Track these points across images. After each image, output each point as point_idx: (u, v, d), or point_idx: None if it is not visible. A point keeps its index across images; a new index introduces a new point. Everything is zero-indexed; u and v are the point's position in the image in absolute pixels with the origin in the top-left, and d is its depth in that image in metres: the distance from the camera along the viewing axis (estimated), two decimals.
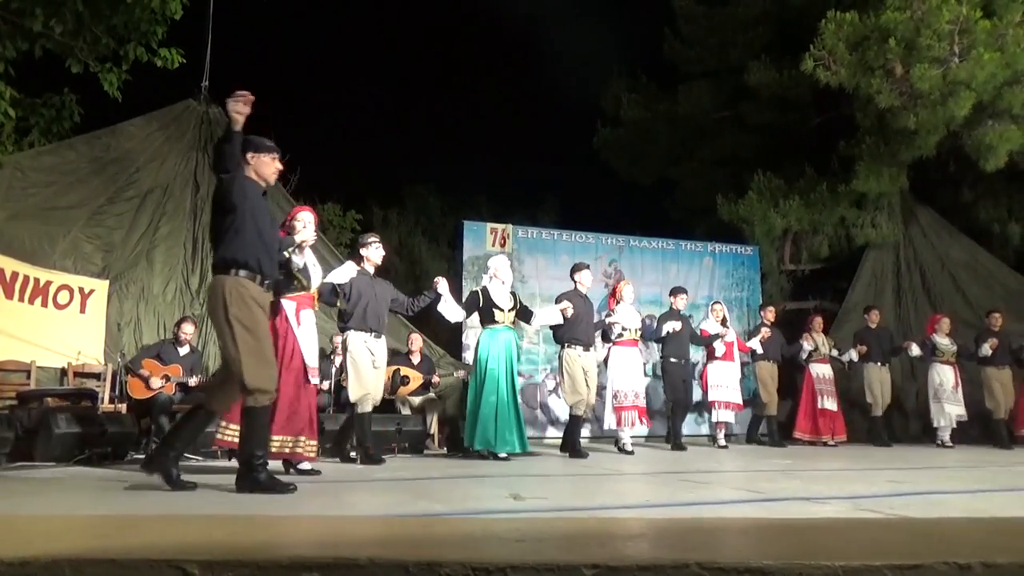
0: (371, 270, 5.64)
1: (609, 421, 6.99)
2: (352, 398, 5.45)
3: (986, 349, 8.44)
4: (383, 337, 5.63)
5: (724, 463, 5.95)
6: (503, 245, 9.38)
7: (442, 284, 5.92)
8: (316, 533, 2.16)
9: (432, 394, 7.65)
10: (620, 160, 13.49)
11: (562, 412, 8.95)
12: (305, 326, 4.59)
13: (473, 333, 9.08)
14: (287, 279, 4.50)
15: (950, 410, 8.45)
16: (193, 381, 6.42)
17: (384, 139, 16.57)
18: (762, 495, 3.56)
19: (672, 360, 7.57)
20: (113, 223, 7.71)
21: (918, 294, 11.15)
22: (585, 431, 8.72)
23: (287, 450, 4.38)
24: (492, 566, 1.46)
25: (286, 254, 4.31)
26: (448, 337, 9.15)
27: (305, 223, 4.51)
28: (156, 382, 6.25)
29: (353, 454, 5.58)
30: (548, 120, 16.92)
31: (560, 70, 17.69)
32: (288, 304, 4.54)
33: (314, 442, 4.56)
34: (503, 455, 5.80)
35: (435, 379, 7.67)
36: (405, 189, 14.58)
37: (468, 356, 8.93)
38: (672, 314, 7.66)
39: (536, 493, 3.52)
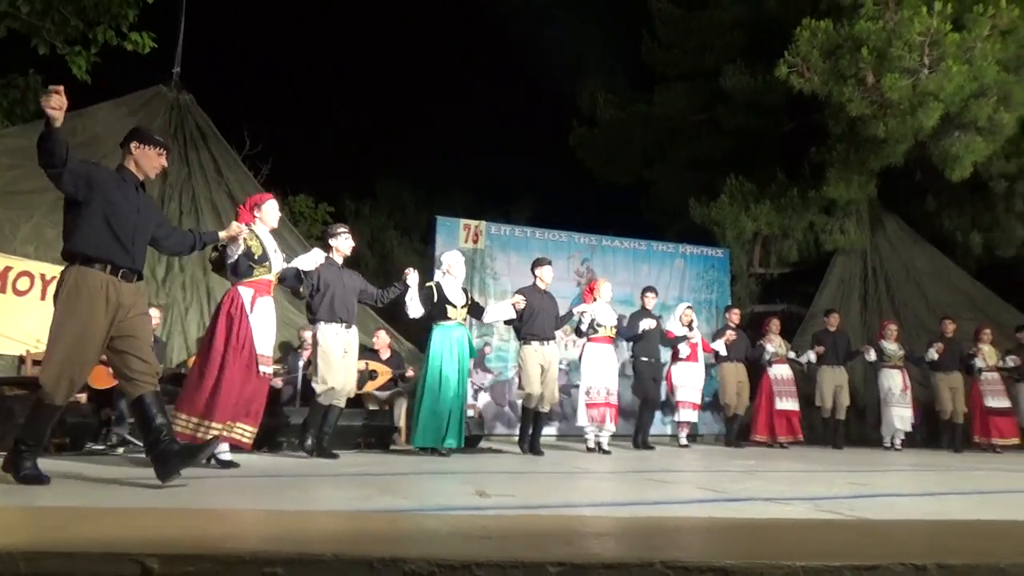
0: (339, 260, 5.59)
1: (581, 418, 6.90)
2: (318, 390, 5.36)
3: (932, 353, 8.66)
4: (353, 327, 5.57)
5: (688, 463, 6.00)
6: (476, 241, 9.36)
7: (412, 276, 5.84)
8: (280, 527, 2.13)
9: (400, 389, 7.60)
10: (595, 160, 13.55)
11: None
12: (260, 313, 4.53)
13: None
14: (247, 266, 4.46)
15: (899, 414, 8.65)
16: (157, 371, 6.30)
17: (359, 132, 16.43)
18: (725, 495, 3.60)
19: (643, 359, 7.60)
20: None
21: (883, 300, 11.37)
22: (552, 429, 8.78)
23: (225, 433, 4.32)
24: (457, 563, 1.46)
25: (218, 248, 4.31)
26: (418, 332, 9.11)
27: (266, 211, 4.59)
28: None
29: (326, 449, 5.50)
30: (524, 118, 16.90)
31: (538, 68, 17.67)
32: (244, 291, 4.50)
33: (252, 429, 4.50)
34: (443, 451, 5.75)
35: (410, 372, 7.63)
36: (379, 183, 14.50)
37: None
38: (643, 313, 7.69)
39: (503, 490, 3.51)
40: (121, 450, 5.65)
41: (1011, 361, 8.77)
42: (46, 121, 3.13)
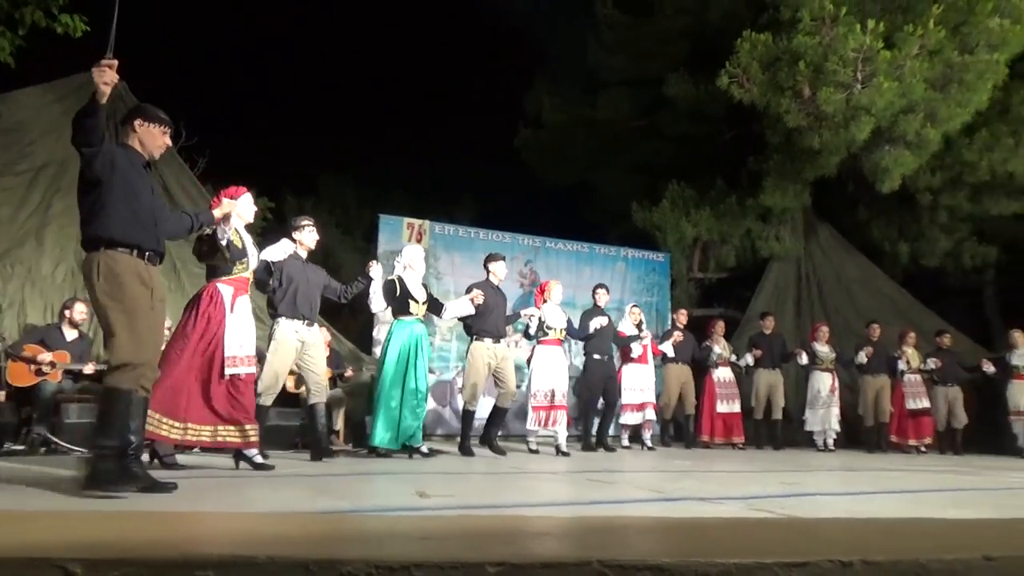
0: (303, 255, 5.42)
1: (529, 421, 6.87)
2: (259, 388, 5.14)
3: (861, 357, 8.99)
4: (316, 325, 5.45)
5: (627, 463, 6.08)
6: (419, 240, 9.31)
7: (375, 269, 5.74)
8: (213, 530, 2.08)
9: (339, 389, 7.49)
10: (540, 162, 13.63)
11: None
12: (240, 313, 4.38)
13: (384, 328, 8.97)
14: (223, 261, 4.31)
15: (827, 415, 8.94)
16: (89, 368, 6.06)
17: (301, 127, 16.16)
18: (663, 495, 3.66)
19: (595, 357, 7.53)
20: (1, 198, 7.21)
21: (815, 306, 11.75)
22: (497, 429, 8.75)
23: (185, 437, 4.18)
24: (396, 564, 1.44)
25: (208, 230, 4.09)
26: (359, 331, 9.01)
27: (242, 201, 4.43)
28: (45, 367, 5.87)
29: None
30: (469, 118, 16.90)
31: (483, 68, 17.67)
32: (225, 289, 4.34)
33: (234, 427, 4.33)
34: (408, 454, 5.72)
35: (349, 372, 7.52)
36: (321, 180, 14.28)
37: (378, 351, 8.81)
38: (596, 310, 7.67)
39: (442, 491, 3.50)
40: (43, 450, 5.42)
41: (931, 363, 9.18)
42: (92, 97, 2.95)
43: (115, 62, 2.95)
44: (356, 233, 12.81)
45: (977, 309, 13.07)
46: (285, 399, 6.52)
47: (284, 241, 5.26)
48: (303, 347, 5.26)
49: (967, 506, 3.51)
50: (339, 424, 7.42)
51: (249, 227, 4.65)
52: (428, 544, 1.68)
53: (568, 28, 13.96)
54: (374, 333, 8.81)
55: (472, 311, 6.30)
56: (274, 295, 5.25)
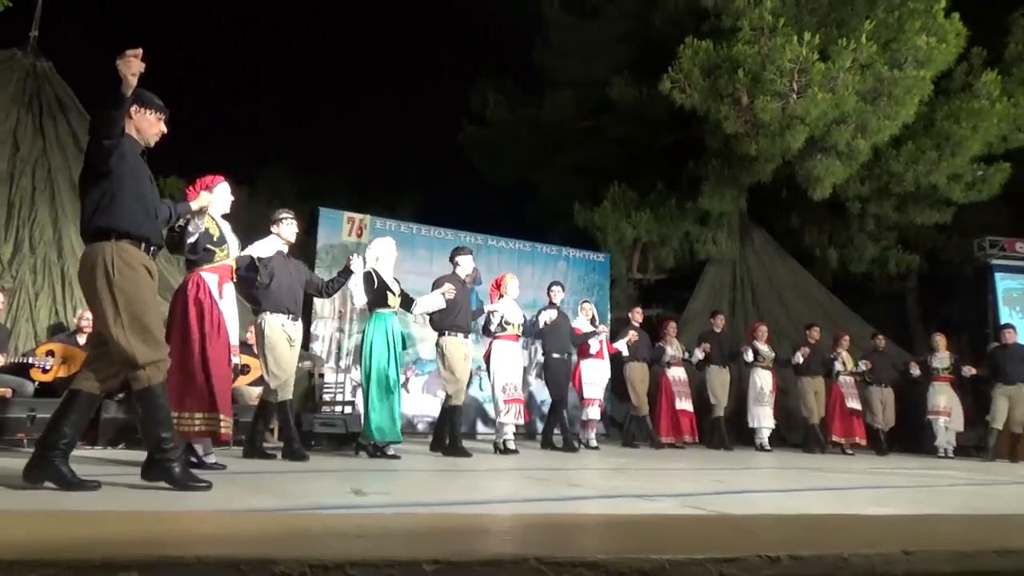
0: (284, 249, 5.31)
1: (500, 415, 6.71)
2: (272, 385, 5.09)
3: (798, 357, 9.24)
4: (299, 320, 5.34)
5: (568, 461, 6.12)
6: (360, 235, 9.19)
7: (355, 262, 5.60)
8: (138, 530, 2.00)
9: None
10: (484, 159, 13.64)
11: (409, 405, 8.78)
12: (228, 300, 4.27)
13: (322, 324, 8.84)
14: (205, 250, 4.19)
15: (767, 413, 9.18)
16: (0, 360, 5.77)
17: (239, 114, 15.75)
18: (600, 492, 3.71)
19: (555, 356, 7.49)
20: None
21: (749, 308, 12.08)
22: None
23: (221, 429, 4.06)
24: (331, 563, 1.42)
25: (182, 222, 3.98)
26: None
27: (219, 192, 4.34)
28: None
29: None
30: (413, 113, 16.77)
31: (429, 63, 17.56)
32: (209, 276, 4.20)
33: (228, 419, 4.21)
34: (391, 452, 5.56)
35: None
36: (259, 169, 13.95)
37: (316, 346, 8.67)
38: (550, 307, 7.63)
39: (379, 488, 3.46)
40: None
41: (863, 365, 9.53)
42: (118, 88, 2.80)
43: (140, 51, 2.83)
44: (298, 217, 12.58)
45: (900, 314, 13.68)
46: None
47: (272, 237, 5.15)
48: (289, 341, 5.21)
49: (887, 503, 3.66)
50: (273, 421, 7.25)
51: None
52: (364, 542, 1.66)
53: (515, 26, 13.99)
54: (311, 328, 8.67)
55: (443, 305, 6.14)
56: (256, 290, 5.15)
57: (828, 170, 9.99)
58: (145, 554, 1.43)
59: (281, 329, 5.14)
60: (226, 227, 4.43)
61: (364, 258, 5.91)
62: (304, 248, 9.94)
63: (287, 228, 5.30)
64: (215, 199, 4.17)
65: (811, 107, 8.81)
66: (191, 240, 4.09)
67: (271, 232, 5.27)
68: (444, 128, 14.64)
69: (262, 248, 5.02)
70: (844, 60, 8.69)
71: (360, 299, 5.76)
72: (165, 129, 3.40)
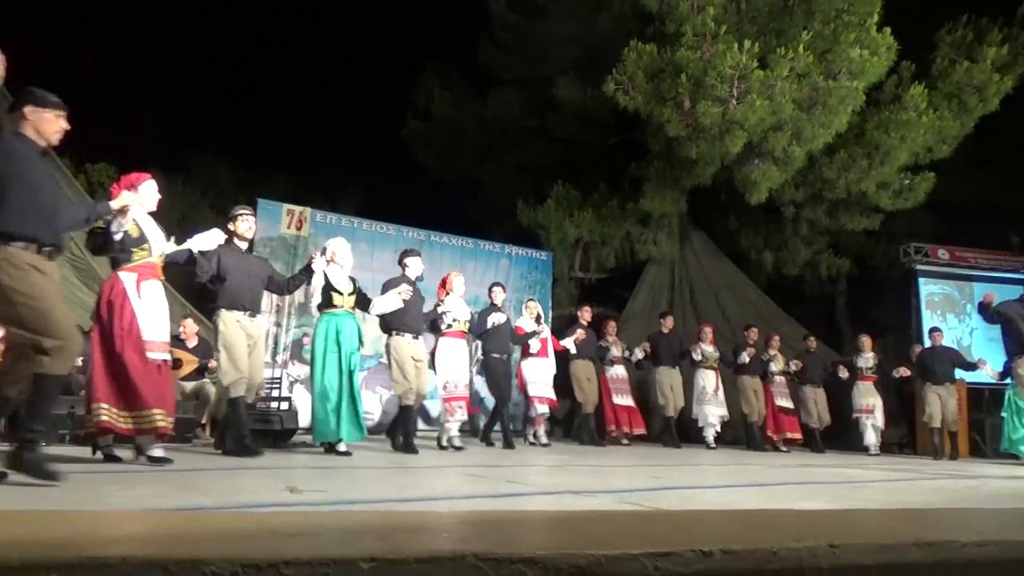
0: (243, 246, 5.28)
1: (440, 412, 6.81)
2: (225, 382, 4.99)
3: (744, 357, 9.48)
4: (258, 317, 5.26)
5: (505, 459, 6.14)
6: (299, 228, 9.03)
7: (318, 261, 5.58)
8: (59, 529, 1.92)
9: (207, 380, 7.15)
10: (428, 154, 13.55)
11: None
12: (148, 298, 4.16)
13: (259, 318, 8.64)
14: (122, 249, 4.10)
15: (712, 411, 9.37)
16: None
17: (173, 100, 15.24)
18: (537, 488, 3.73)
19: (494, 356, 7.51)
20: None
21: (687, 308, 12.33)
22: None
23: (132, 426, 4.01)
24: (263, 562, 1.38)
25: (102, 223, 3.92)
26: None
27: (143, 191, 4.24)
28: None
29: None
30: (358, 104, 16.52)
31: (374, 53, 17.34)
32: (127, 276, 4.13)
33: (162, 411, 4.16)
34: (343, 448, 5.53)
35: (212, 363, 7.18)
36: (193, 158, 13.56)
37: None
38: (492, 308, 7.65)
39: (315, 486, 3.41)
40: None
41: (794, 365, 9.86)
42: None
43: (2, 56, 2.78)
44: (255, 214, 12.25)
45: (830, 316, 14.17)
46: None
47: (214, 231, 4.99)
48: (247, 338, 5.13)
49: (815, 498, 3.78)
50: (205, 416, 7.08)
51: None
52: (298, 541, 1.63)
53: (461, 21, 13.95)
54: None
55: (401, 306, 6.13)
56: (212, 286, 5.06)
57: (765, 175, 10.27)
58: (66, 555, 1.37)
59: (237, 326, 5.07)
60: (149, 225, 4.35)
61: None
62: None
63: (243, 224, 5.29)
64: (139, 198, 4.10)
65: (750, 113, 9.03)
66: (117, 239, 4.03)
67: (227, 228, 5.22)
68: (388, 121, 14.48)
69: (201, 241, 4.88)
70: (782, 69, 8.93)
71: (317, 298, 5.75)
72: (66, 125, 3.33)
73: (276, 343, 8.73)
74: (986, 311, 7.13)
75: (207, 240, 4.89)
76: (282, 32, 17.56)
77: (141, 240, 4.22)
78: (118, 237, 4.02)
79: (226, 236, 5.09)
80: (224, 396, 5.11)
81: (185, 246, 4.75)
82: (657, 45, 9.63)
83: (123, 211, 3.90)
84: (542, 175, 12.66)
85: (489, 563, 1.45)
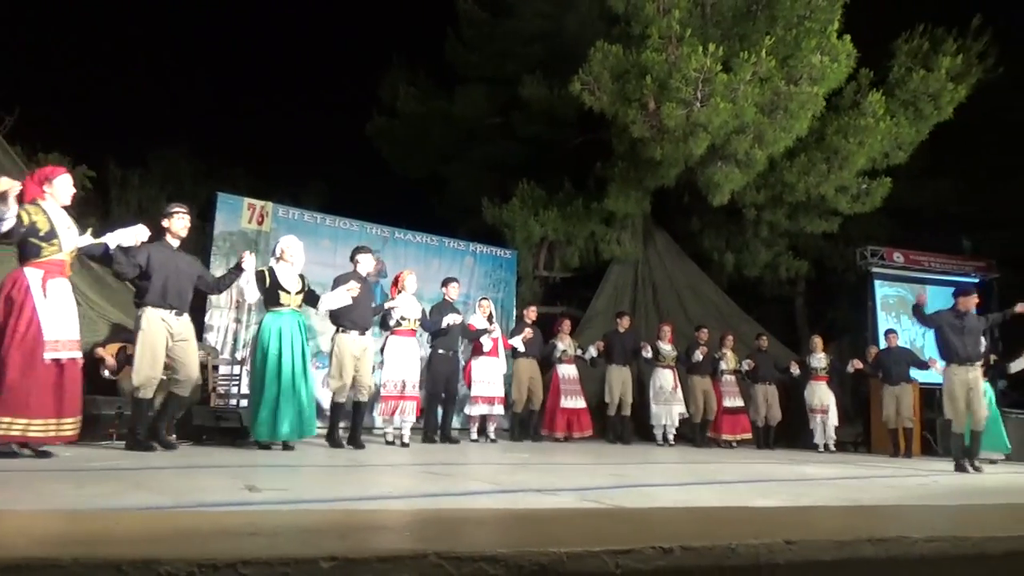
0: (175, 243, 5.20)
1: (381, 411, 6.84)
2: (135, 381, 4.92)
3: (698, 356, 9.65)
4: (185, 315, 5.19)
5: (467, 456, 6.14)
6: (261, 223, 8.89)
7: (248, 260, 5.54)
8: (8, 530, 1.86)
9: (163, 376, 7.00)
10: (393, 151, 13.46)
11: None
12: (54, 296, 4.07)
13: (218, 314, 8.50)
14: (31, 244, 4.00)
15: (670, 410, 9.50)
16: None
17: (131, 89, 14.85)
18: (500, 487, 3.73)
19: (440, 352, 7.54)
20: None
21: (649, 308, 12.45)
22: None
23: (15, 433, 3.92)
24: (220, 562, 1.36)
25: None
26: (190, 317, 8.47)
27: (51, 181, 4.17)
28: None
29: (173, 437, 5.22)
30: (321, 99, 16.31)
31: (339, 49, 17.15)
32: (32, 272, 4.03)
33: (71, 421, 4.13)
34: (290, 445, 5.52)
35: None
36: (152, 150, 13.26)
37: (209, 337, 8.35)
38: (447, 305, 7.68)
39: (274, 484, 3.36)
40: None
41: (745, 365, 10.06)
42: None
43: None
44: (190, 211, 11.97)
45: (789, 316, 14.44)
46: (105, 387, 6.10)
47: (138, 227, 4.90)
48: (172, 338, 5.06)
49: (771, 495, 3.85)
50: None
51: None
52: (257, 540, 1.60)
53: (428, 18, 13.87)
54: (205, 319, 8.33)
55: (349, 303, 6.14)
56: (139, 283, 4.98)
57: (727, 177, 10.41)
58: (15, 556, 1.33)
59: (160, 324, 5.00)
60: (61, 220, 4.27)
61: (273, 253, 5.94)
62: (200, 235, 9.51)
63: (178, 222, 5.22)
64: (15, 186, 3.90)
65: (713, 116, 9.14)
66: (6, 228, 3.92)
67: (161, 224, 5.18)
68: (352, 116, 14.32)
69: (121, 237, 4.80)
70: (745, 73, 9.06)
71: (250, 296, 5.73)
72: None
73: (236, 339, 8.59)
74: (918, 312, 7.31)
75: (127, 236, 4.81)
76: (245, 23, 17.25)
77: (51, 235, 4.14)
78: (6, 227, 3.90)
79: (150, 233, 5.01)
80: (133, 393, 5.05)
81: (102, 240, 4.67)
82: (623, 46, 9.69)
83: (2, 198, 3.79)
84: (507, 173, 12.66)
85: (451, 561, 1.45)
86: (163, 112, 15.32)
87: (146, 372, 4.94)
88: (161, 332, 4.99)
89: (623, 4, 9.77)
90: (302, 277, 6.03)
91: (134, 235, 4.80)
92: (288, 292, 5.81)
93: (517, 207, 11.65)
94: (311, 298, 6.05)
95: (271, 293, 5.77)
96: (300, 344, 5.76)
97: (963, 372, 6.70)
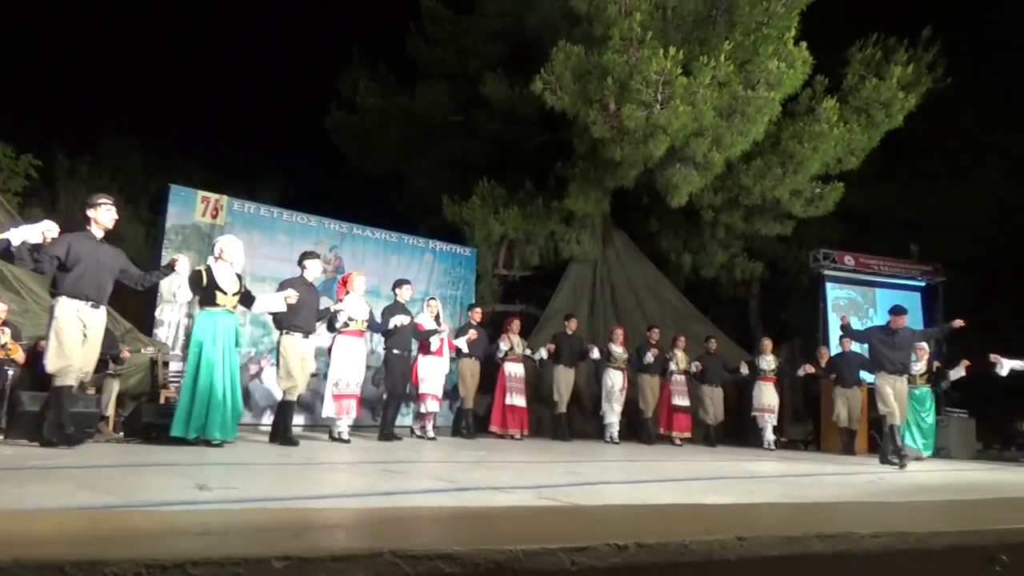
0: (99, 234, 5.08)
1: (328, 409, 6.95)
2: (49, 368, 4.82)
3: (649, 357, 9.82)
4: (102, 308, 5.07)
5: (423, 454, 6.12)
6: (215, 217, 8.72)
7: (181, 263, 5.46)
8: None
9: (111, 371, 6.84)
10: (352, 146, 13.31)
11: (264, 398, 8.59)
12: None
13: (168, 309, 8.31)
14: None
15: (616, 409, 9.68)
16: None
17: (80, 74, 14.40)
18: (456, 485, 3.72)
19: (395, 352, 7.63)
20: None
21: (608, 307, 12.55)
22: (300, 419, 8.47)
23: None
24: (169, 562, 1.32)
25: None
26: (140, 311, 8.28)
27: None
28: None
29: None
30: (279, 91, 16.05)
31: (298, 40, 16.89)
32: None
33: None
34: (216, 441, 5.46)
35: (124, 353, 6.89)
36: (101, 140, 12.90)
37: (160, 332, 8.17)
38: (397, 307, 7.72)
39: (226, 483, 3.30)
40: None
41: (695, 366, 10.29)
42: None
43: None
44: (141, 203, 11.67)
45: (743, 317, 14.71)
46: (40, 382, 5.92)
47: (44, 222, 4.75)
48: (84, 329, 4.96)
49: (723, 493, 3.91)
50: (109, 410, 6.75)
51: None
52: (207, 540, 1.57)
53: (390, 12, 13.75)
54: (156, 314, 8.15)
55: (283, 308, 6.21)
56: (57, 273, 4.88)
57: (685, 179, 10.54)
58: None
59: (75, 315, 4.91)
60: None
61: (185, 247, 5.89)
62: (151, 228, 9.30)
63: (104, 214, 5.11)
64: None
65: (673, 118, 9.25)
66: None
67: (87, 215, 5.10)
68: (311, 109, 14.12)
69: (24, 234, 4.64)
70: (704, 76, 9.18)
71: (182, 296, 5.71)
72: None
73: (189, 336, 8.40)
74: (847, 330, 8.26)
75: (32, 232, 4.65)
76: (201, 9, 16.86)
77: None
78: None
79: (57, 228, 4.79)
80: (54, 384, 4.94)
81: (4, 236, 4.54)
82: (585, 47, 9.74)
83: None
84: (468, 171, 12.63)
85: (406, 560, 1.44)
86: (114, 99, 14.91)
87: (56, 361, 4.84)
88: (75, 322, 4.90)
89: (585, 5, 9.81)
90: (239, 277, 6.00)
91: (39, 231, 4.66)
92: (225, 292, 5.77)
93: (477, 205, 11.63)
94: (247, 299, 6.05)
95: (208, 293, 5.73)
96: (231, 346, 5.76)
97: (892, 380, 7.42)
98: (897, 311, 7.59)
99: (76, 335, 4.89)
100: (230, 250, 5.88)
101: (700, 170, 10.46)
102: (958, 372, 9.23)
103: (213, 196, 8.80)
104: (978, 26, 13.26)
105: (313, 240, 9.32)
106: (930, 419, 9.10)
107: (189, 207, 8.58)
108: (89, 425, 6.03)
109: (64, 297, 4.87)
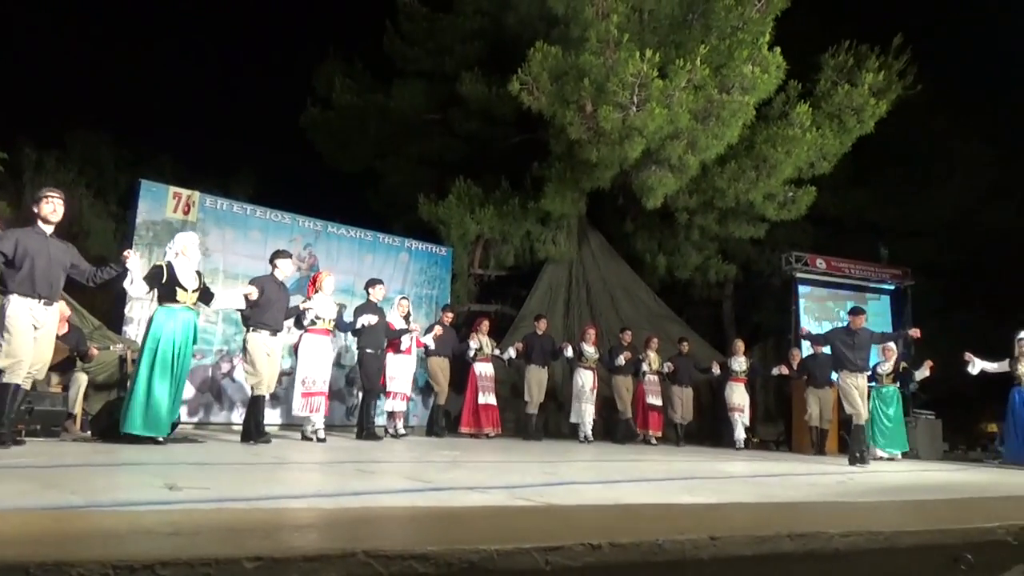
0: (47, 229, 4.99)
1: (297, 407, 6.97)
2: (1, 365, 4.74)
3: (621, 359, 9.91)
4: (55, 305, 5.00)
5: (396, 453, 6.09)
6: (187, 213, 8.59)
7: (132, 259, 5.38)
8: None
9: (79, 369, 6.72)
10: (327, 143, 13.22)
11: (235, 395, 8.50)
12: None
13: (138, 306, 8.18)
14: None
15: (588, 408, 9.72)
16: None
17: (48, 68, 14.12)
18: (430, 484, 3.70)
19: (368, 351, 7.65)
20: None
21: (583, 308, 12.60)
22: (275, 417, 8.40)
23: None
24: (138, 563, 1.30)
25: None
26: (108, 308, 8.13)
27: None
28: None
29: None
30: (253, 86, 15.87)
31: (274, 36, 16.73)
32: None
33: None
34: (160, 439, 5.42)
35: (92, 351, 6.78)
36: (70, 133, 12.66)
37: (129, 330, 8.04)
38: (369, 306, 7.72)
39: (196, 483, 3.25)
40: None
41: (667, 367, 10.43)
42: None
43: None
44: (110, 198, 11.48)
45: (717, 318, 14.85)
46: None
47: None
48: (36, 327, 4.90)
49: (696, 492, 3.94)
50: (76, 408, 6.63)
51: None
52: (177, 540, 1.55)
53: (366, 9, 13.66)
54: (125, 311, 8.02)
55: (243, 305, 6.20)
56: (5, 270, 4.81)
57: (661, 181, 10.62)
58: None
59: (27, 314, 4.84)
60: None
61: (155, 242, 5.83)
62: (121, 223, 9.14)
63: (48, 207, 5.02)
64: None
65: (648, 120, 9.30)
66: None
67: (32, 210, 5.01)
68: (286, 105, 13.98)
69: None
70: (680, 80, 9.25)
71: (137, 291, 5.62)
72: None
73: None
74: (809, 337, 8.85)
75: None
76: (176, 0, 16.62)
77: None
78: None
79: (33, 221, 4.84)
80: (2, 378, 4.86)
81: None
82: (562, 48, 9.77)
83: None
84: (444, 170, 12.61)
85: (380, 560, 1.43)
86: (84, 91, 14.63)
87: (9, 357, 4.76)
88: (27, 321, 4.83)
89: (563, 6, 9.84)
90: (199, 274, 5.96)
91: None
92: (185, 289, 5.73)
93: (453, 204, 11.61)
94: (206, 295, 6.01)
95: (168, 289, 5.68)
96: (188, 343, 5.71)
97: (854, 378, 7.62)
98: (855, 312, 7.81)
99: (27, 333, 4.82)
100: (190, 247, 5.84)
101: (675, 172, 10.54)
102: (923, 372, 9.51)
103: (185, 192, 8.68)
104: (948, 34, 13.54)
105: (287, 237, 9.24)
106: (894, 418, 9.29)
107: (160, 203, 8.46)
108: (55, 423, 5.94)
109: (16, 295, 4.79)
